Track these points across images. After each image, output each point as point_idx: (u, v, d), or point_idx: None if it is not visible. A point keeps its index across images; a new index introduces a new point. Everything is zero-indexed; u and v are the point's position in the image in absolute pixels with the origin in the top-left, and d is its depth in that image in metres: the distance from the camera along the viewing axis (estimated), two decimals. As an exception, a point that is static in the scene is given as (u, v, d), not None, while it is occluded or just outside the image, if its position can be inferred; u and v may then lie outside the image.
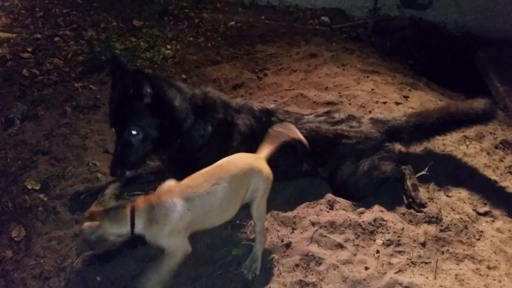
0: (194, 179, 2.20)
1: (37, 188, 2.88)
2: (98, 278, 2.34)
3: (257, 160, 2.30)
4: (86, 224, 1.98)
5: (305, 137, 2.83)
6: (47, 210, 2.75)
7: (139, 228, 2.06)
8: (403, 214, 2.75)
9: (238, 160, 2.28)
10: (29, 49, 4.61)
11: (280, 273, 2.37)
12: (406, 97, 3.90)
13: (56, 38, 4.90)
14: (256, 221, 2.34)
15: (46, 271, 2.40)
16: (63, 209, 2.75)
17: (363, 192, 2.85)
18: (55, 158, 3.15)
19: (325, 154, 2.89)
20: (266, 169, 2.30)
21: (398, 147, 3.14)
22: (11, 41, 4.75)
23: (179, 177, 2.73)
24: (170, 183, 2.22)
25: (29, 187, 2.88)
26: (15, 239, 2.58)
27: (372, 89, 3.93)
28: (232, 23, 5.57)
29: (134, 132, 2.42)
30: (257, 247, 2.38)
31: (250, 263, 2.37)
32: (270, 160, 2.82)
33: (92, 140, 3.33)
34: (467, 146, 3.35)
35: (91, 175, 3.00)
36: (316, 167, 2.93)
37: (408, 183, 2.87)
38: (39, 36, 4.92)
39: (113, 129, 2.57)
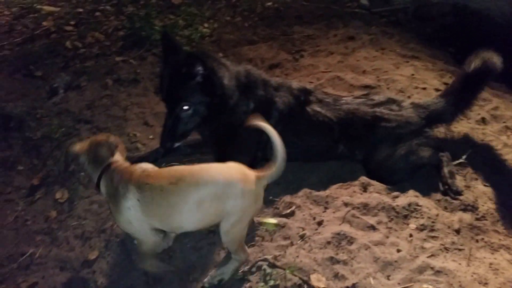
0: (163, 172, 2.06)
1: (80, 154, 3.00)
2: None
3: (244, 179, 2.03)
4: (77, 144, 2.08)
5: (342, 118, 2.84)
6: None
7: (102, 190, 2.06)
8: (439, 200, 2.73)
9: (220, 171, 2.05)
10: (72, 23, 4.74)
11: (311, 249, 2.41)
12: (446, 84, 3.80)
13: (97, 13, 5.00)
14: (225, 245, 2.20)
15: (88, 232, 2.52)
16: (104, 176, 2.86)
17: (398, 176, 2.83)
18: (96, 127, 3.26)
19: (362, 137, 2.87)
20: (250, 193, 2.03)
21: (437, 133, 3.09)
22: (55, 14, 4.89)
23: (216, 152, 2.81)
24: (143, 165, 2.10)
25: (72, 153, 3.00)
26: (59, 200, 2.71)
27: (412, 74, 3.85)
28: (269, 3, 5.53)
29: (185, 108, 2.52)
30: (230, 264, 2.24)
31: (219, 272, 2.25)
32: (304, 141, 2.84)
33: (132, 112, 3.43)
34: (507, 136, 3.26)
35: (132, 145, 3.10)
36: (353, 149, 2.92)
37: (445, 170, 2.83)
38: (81, 10, 5.04)
39: (163, 103, 2.65)
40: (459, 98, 3.03)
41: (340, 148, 2.92)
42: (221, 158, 2.65)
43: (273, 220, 2.56)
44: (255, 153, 2.81)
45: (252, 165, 2.83)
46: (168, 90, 2.55)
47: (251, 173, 2.07)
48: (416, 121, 2.89)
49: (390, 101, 3.00)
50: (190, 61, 2.46)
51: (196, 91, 2.52)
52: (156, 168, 2.11)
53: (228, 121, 2.70)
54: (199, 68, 2.47)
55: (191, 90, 2.51)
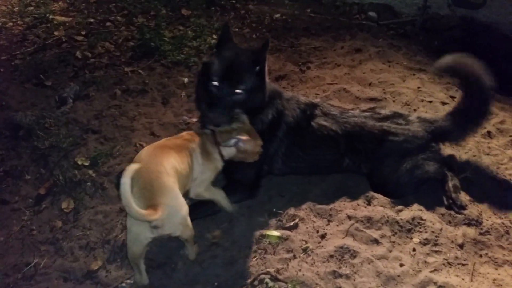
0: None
1: (87, 164, 3.04)
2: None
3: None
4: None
5: (349, 132, 2.85)
6: (95, 186, 2.90)
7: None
8: (442, 214, 2.72)
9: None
10: (83, 33, 4.82)
11: (314, 263, 2.41)
12: (453, 97, 3.81)
13: (108, 23, 5.08)
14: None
15: (92, 242, 2.55)
16: (110, 186, 2.89)
17: (403, 190, 2.83)
18: (104, 137, 3.30)
19: (368, 150, 2.87)
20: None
21: (443, 147, 3.09)
22: (67, 24, 4.98)
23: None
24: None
25: (79, 162, 3.04)
26: (65, 210, 2.74)
27: (418, 87, 3.86)
28: (278, 15, 5.58)
29: (238, 91, 2.55)
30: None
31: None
32: (309, 154, 2.87)
33: (139, 122, 3.47)
34: (514, 150, 3.25)
35: (137, 155, 3.13)
36: (358, 163, 2.91)
37: (450, 184, 2.82)
38: (92, 20, 5.13)
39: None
40: (467, 119, 3.00)
41: (346, 162, 2.92)
42: (227, 170, 2.67)
43: (276, 233, 2.56)
44: (261, 166, 2.82)
45: (258, 178, 2.87)
46: (228, 70, 2.55)
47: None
48: (422, 135, 2.89)
49: (396, 115, 3.01)
50: (260, 50, 2.61)
51: (252, 79, 2.58)
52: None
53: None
54: (262, 59, 2.60)
55: (250, 76, 2.57)
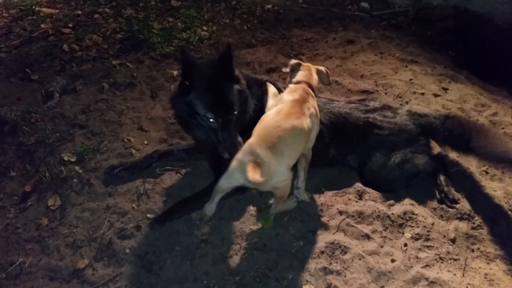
0: None
1: (73, 160, 2.98)
2: (127, 251, 2.42)
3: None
4: None
5: (333, 122, 2.81)
6: (82, 182, 2.84)
7: None
8: (434, 209, 2.69)
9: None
10: (70, 25, 4.72)
11: (305, 259, 2.37)
12: (445, 89, 3.77)
13: (96, 15, 4.98)
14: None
15: (79, 240, 2.50)
16: (97, 182, 2.84)
17: (393, 185, 2.80)
18: (91, 132, 3.24)
19: (354, 142, 2.85)
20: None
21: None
22: (54, 16, 4.87)
23: (210, 157, 2.78)
24: None
25: (65, 158, 2.98)
26: (51, 207, 2.69)
27: (410, 79, 3.82)
28: (269, 6, 5.51)
29: (235, 113, 2.50)
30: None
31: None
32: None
33: (127, 117, 3.40)
34: (506, 143, 3.22)
35: (126, 151, 3.07)
36: (344, 154, 2.89)
37: (441, 177, 2.80)
38: (79, 12, 5.03)
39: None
40: (464, 138, 2.86)
41: (332, 153, 2.89)
42: (215, 163, 2.63)
43: (268, 219, 2.55)
44: None
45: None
46: (218, 104, 2.45)
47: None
48: (410, 128, 2.86)
49: (385, 107, 2.97)
50: (225, 69, 2.48)
51: (237, 94, 2.53)
52: None
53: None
54: (233, 73, 2.54)
55: (235, 94, 2.51)
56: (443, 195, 2.73)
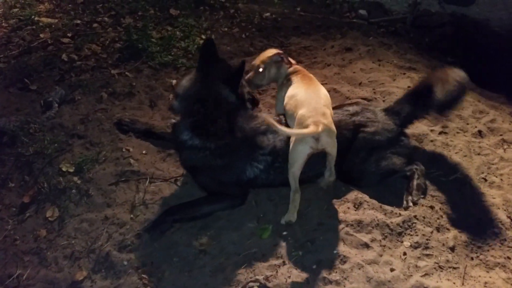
0: None
1: (72, 170, 2.98)
2: (125, 263, 2.41)
3: None
4: None
5: None
6: (80, 193, 2.84)
7: None
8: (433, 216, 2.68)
9: None
10: (69, 35, 4.72)
11: (304, 269, 2.37)
12: (443, 96, 3.77)
13: (95, 25, 4.99)
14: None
15: (77, 252, 2.49)
16: (96, 193, 2.84)
17: (367, 180, 2.84)
18: (90, 142, 3.24)
19: (347, 148, 2.84)
20: None
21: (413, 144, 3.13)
22: (53, 26, 4.88)
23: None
24: None
25: (64, 169, 2.98)
26: (49, 219, 2.69)
27: (408, 87, 3.81)
28: (267, 14, 5.52)
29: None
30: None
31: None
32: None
33: (126, 126, 3.40)
34: (504, 150, 3.22)
35: (124, 161, 3.07)
36: (340, 164, 2.85)
37: (415, 182, 2.80)
38: (78, 22, 5.03)
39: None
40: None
41: None
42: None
43: (267, 229, 2.56)
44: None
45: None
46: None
47: None
48: (392, 128, 2.93)
49: (364, 109, 3.01)
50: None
51: None
52: None
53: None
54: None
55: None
56: (409, 197, 2.75)
